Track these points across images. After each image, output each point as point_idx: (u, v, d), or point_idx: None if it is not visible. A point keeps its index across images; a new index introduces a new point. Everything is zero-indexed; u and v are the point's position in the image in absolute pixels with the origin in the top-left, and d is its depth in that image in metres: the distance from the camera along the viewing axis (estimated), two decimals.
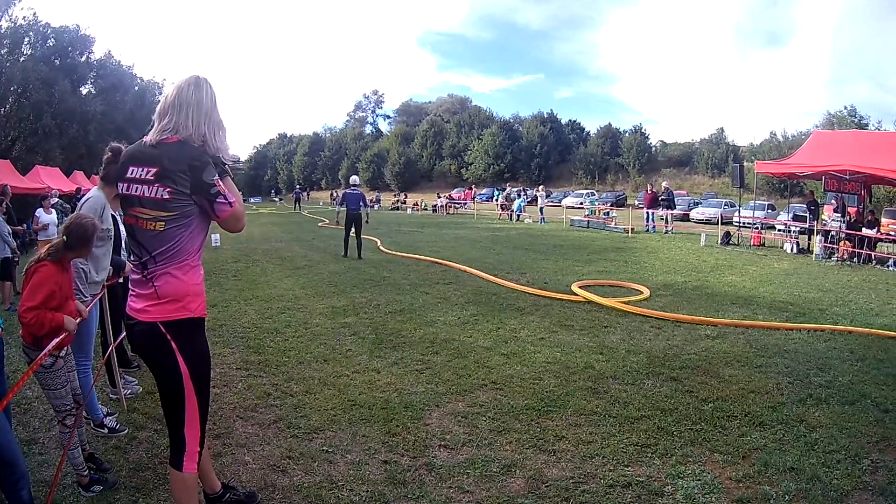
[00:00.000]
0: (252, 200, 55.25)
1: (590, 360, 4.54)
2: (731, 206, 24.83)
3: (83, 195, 3.49)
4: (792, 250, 12.83)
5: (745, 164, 21.65)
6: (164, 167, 1.96)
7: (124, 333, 3.07)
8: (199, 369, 2.10)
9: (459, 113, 62.83)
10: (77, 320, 2.67)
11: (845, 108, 34.93)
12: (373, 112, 77.36)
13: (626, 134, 47.55)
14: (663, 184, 21.36)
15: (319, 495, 2.63)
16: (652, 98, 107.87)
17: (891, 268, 10.59)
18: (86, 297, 3.22)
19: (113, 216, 3.45)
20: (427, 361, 4.53)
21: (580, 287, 7.38)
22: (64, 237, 2.62)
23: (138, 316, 2.03)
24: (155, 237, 1.99)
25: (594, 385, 4.01)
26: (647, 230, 18.08)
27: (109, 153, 3.11)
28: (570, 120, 53.99)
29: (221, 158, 2.10)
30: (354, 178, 11.65)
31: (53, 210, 8.92)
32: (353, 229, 10.83)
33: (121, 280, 3.77)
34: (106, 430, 3.27)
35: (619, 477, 2.78)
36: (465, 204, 34.74)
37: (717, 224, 17.61)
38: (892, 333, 5.41)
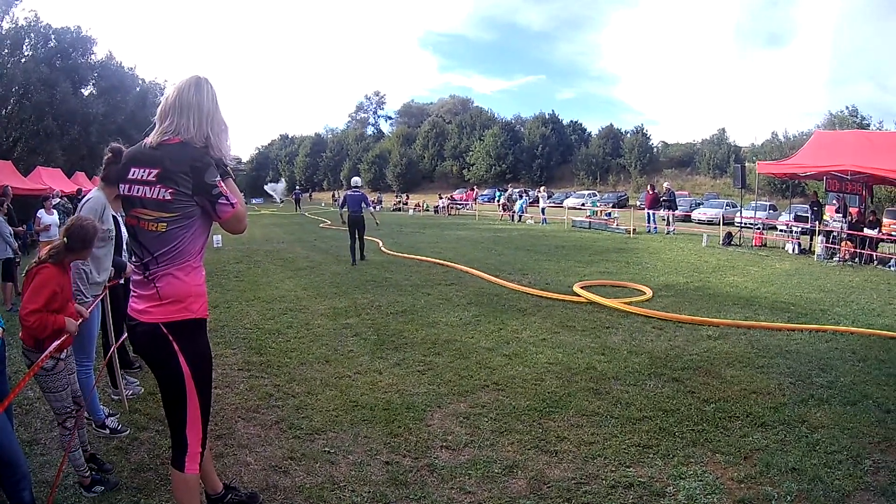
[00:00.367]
0: (254, 202, 55.33)
1: (591, 361, 4.54)
2: (733, 207, 24.81)
3: (84, 196, 3.49)
4: (793, 251, 12.81)
5: (746, 164, 21.58)
6: (166, 168, 1.96)
7: (126, 334, 3.07)
8: (201, 370, 2.10)
9: (461, 114, 62.87)
10: (78, 321, 2.67)
11: (846, 108, 34.91)
12: (374, 113, 77.62)
13: (628, 134, 47.53)
14: (665, 184, 21.34)
15: (321, 496, 2.63)
16: (653, 99, 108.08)
17: (892, 268, 10.56)
18: (87, 297, 3.22)
19: (114, 217, 3.46)
20: (429, 362, 4.53)
21: (582, 288, 7.38)
22: (65, 239, 2.62)
23: (140, 317, 2.03)
24: (157, 238, 2.00)
25: (596, 386, 4.01)
26: (649, 231, 18.05)
27: (110, 154, 3.12)
28: (571, 121, 54.03)
29: (223, 160, 2.10)
30: (356, 180, 11.40)
31: (55, 211, 8.94)
32: (356, 232, 10.47)
33: (122, 281, 3.77)
34: (107, 431, 3.28)
35: (621, 478, 2.78)
36: (467, 205, 34.71)
37: (719, 225, 17.56)
38: (894, 334, 5.40)
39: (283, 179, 61.69)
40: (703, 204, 28.71)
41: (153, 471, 2.87)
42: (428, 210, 33.37)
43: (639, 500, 2.60)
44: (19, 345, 2.63)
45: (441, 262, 10.23)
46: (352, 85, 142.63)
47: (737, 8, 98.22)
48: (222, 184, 2.02)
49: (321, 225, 21.66)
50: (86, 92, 34.00)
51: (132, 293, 2.10)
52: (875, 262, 11.19)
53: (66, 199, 13.00)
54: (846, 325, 5.77)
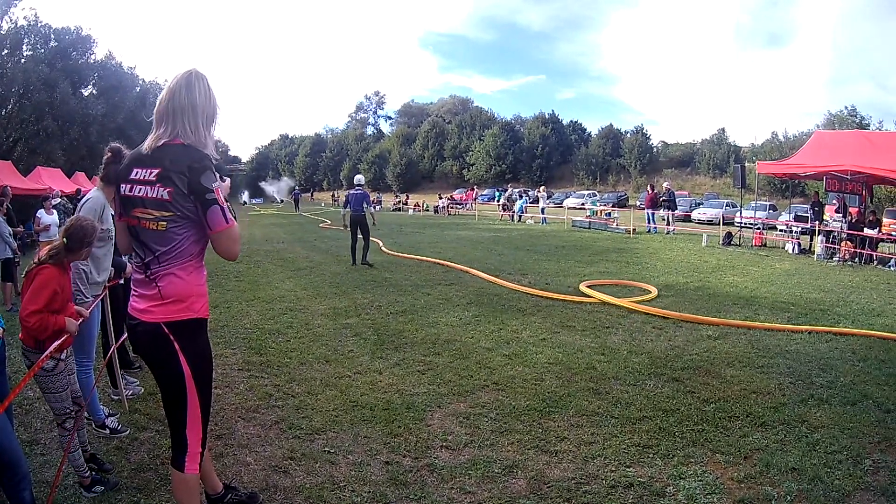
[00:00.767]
0: (254, 202, 55.32)
1: (591, 361, 4.54)
2: (733, 207, 24.82)
3: (83, 196, 3.49)
4: (793, 251, 12.81)
5: (746, 164, 21.58)
6: (166, 168, 1.96)
7: (126, 334, 3.07)
8: (202, 370, 2.10)
9: (461, 114, 62.91)
10: (78, 322, 2.67)
11: (846, 108, 35.01)
12: (374, 113, 77.67)
13: (628, 134, 47.59)
14: (665, 184, 21.34)
15: (321, 496, 2.63)
16: (653, 99, 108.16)
17: (892, 268, 10.57)
18: (87, 297, 3.22)
19: (113, 217, 3.45)
20: (429, 362, 4.53)
21: (588, 287, 7.37)
22: (64, 239, 2.62)
23: (141, 316, 2.03)
24: (158, 237, 1.99)
25: (596, 386, 4.01)
26: (649, 231, 18.05)
27: (109, 154, 3.12)
28: (571, 121, 54.18)
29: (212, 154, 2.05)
30: (359, 178, 11.03)
31: (55, 211, 8.94)
32: (358, 233, 10.20)
33: (122, 281, 3.77)
34: (107, 431, 3.27)
35: (621, 477, 2.78)
36: (467, 205, 34.72)
37: (719, 225, 17.58)
38: (894, 334, 5.40)
39: (285, 178, 62.07)
40: (702, 204, 28.73)
41: (153, 471, 2.87)
42: (428, 210, 33.36)
43: (639, 500, 2.60)
44: (19, 345, 2.63)
45: (441, 262, 10.23)
46: (352, 85, 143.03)
47: (737, 8, 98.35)
48: (220, 193, 1.99)
49: (321, 225, 21.65)
50: (86, 92, 33.95)
51: (133, 292, 2.10)
52: (875, 262, 11.20)
53: (65, 199, 12.98)
54: (846, 325, 5.77)
